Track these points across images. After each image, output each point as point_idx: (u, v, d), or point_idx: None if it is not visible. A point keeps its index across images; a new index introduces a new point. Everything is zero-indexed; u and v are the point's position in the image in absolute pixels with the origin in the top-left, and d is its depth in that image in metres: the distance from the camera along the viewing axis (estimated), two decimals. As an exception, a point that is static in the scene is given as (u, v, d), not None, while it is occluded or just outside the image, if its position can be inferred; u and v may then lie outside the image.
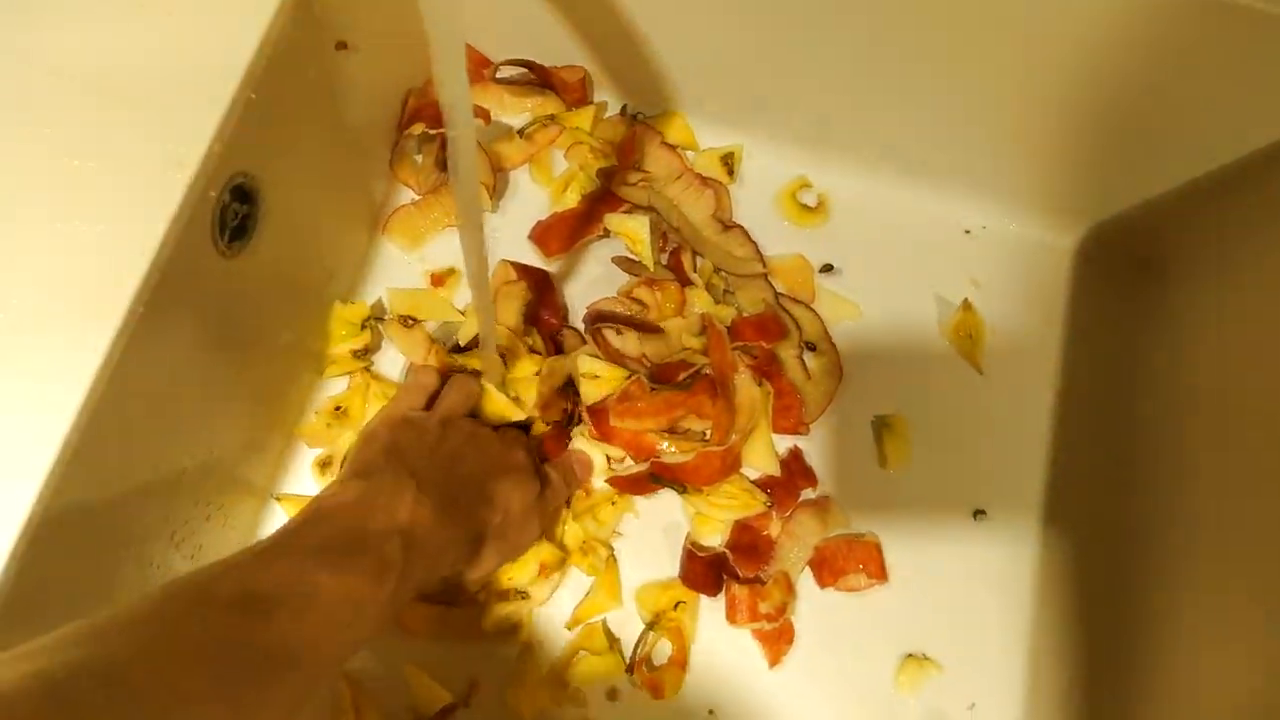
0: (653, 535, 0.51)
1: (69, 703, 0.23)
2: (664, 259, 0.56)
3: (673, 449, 0.50)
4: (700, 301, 0.54)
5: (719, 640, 0.50)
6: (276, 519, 0.51)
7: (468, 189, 0.34)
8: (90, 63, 0.36)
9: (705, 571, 0.50)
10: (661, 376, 0.51)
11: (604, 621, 0.50)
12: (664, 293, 0.54)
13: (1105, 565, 0.51)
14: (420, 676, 0.47)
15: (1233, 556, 0.43)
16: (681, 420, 0.50)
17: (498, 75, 0.59)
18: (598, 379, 0.50)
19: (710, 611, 0.50)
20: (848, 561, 0.51)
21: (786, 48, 0.52)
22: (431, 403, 0.47)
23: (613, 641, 0.49)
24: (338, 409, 0.51)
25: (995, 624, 0.51)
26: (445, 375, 0.49)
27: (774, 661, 0.49)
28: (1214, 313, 0.50)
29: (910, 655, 0.50)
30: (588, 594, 0.50)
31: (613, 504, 0.51)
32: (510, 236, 0.56)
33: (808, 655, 0.50)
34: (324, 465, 0.51)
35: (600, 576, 0.50)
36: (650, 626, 0.49)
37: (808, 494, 0.52)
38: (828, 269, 0.57)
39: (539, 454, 0.49)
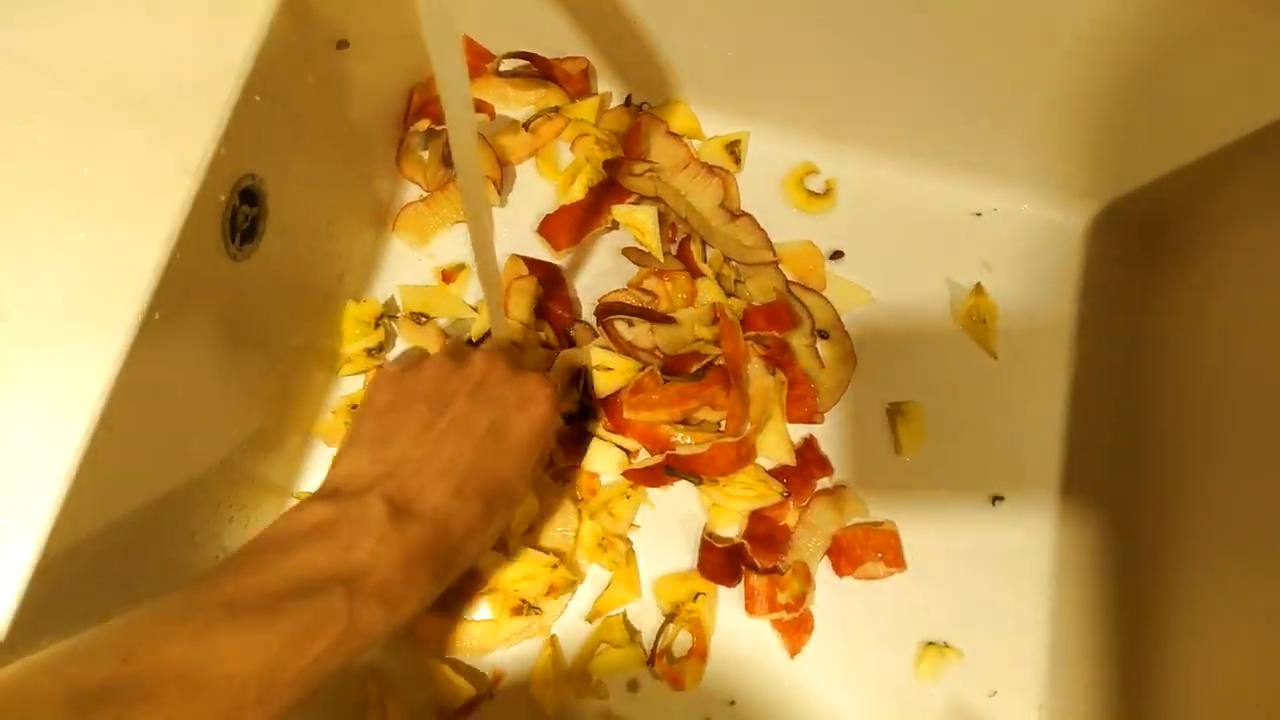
0: (669, 527, 0.51)
1: None
2: (673, 249, 0.56)
3: (687, 440, 0.50)
4: (711, 292, 0.53)
5: (738, 631, 0.50)
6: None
7: (473, 186, 0.34)
8: (94, 68, 0.36)
9: (723, 562, 0.49)
10: (674, 368, 0.51)
11: (624, 614, 0.50)
12: (674, 283, 0.54)
13: (1125, 548, 0.51)
14: (444, 670, 0.47)
15: (1255, 538, 0.42)
16: (695, 412, 0.50)
17: (500, 69, 0.59)
18: (610, 371, 0.50)
19: (729, 602, 0.50)
20: (865, 550, 0.50)
21: (789, 30, 0.51)
22: None
23: (633, 634, 0.49)
24: (353, 408, 0.51)
25: (1015, 610, 0.51)
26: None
27: (794, 651, 0.49)
28: (1230, 290, 0.50)
29: (930, 643, 0.50)
30: (607, 587, 0.50)
31: (627, 497, 0.51)
32: (517, 231, 0.56)
33: (827, 645, 0.50)
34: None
35: (619, 570, 0.50)
36: (670, 618, 0.49)
37: (823, 483, 0.52)
38: (837, 255, 0.57)
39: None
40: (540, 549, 0.49)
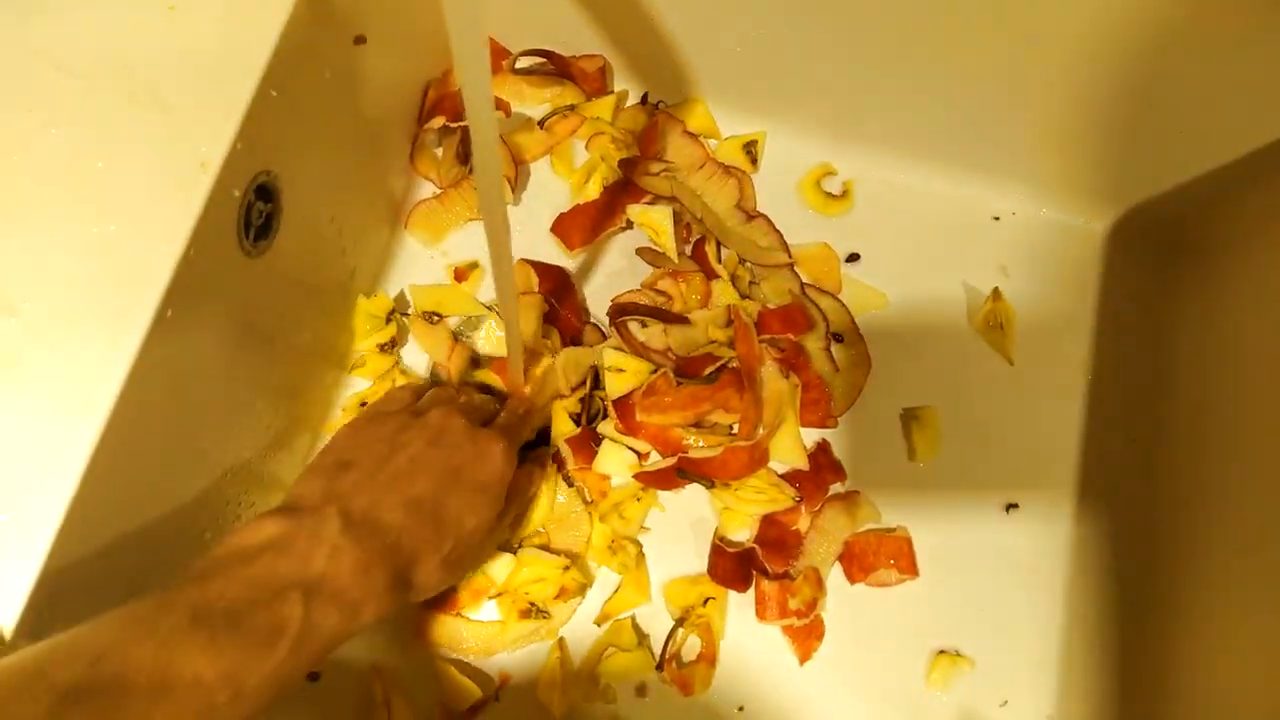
0: (680, 530, 0.51)
1: None
2: (687, 250, 0.55)
3: (699, 443, 0.49)
4: (725, 293, 0.53)
5: (748, 636, 0.49)
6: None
7: (491, 186, 0.34)
8: (110, 62, 0.36)
9: (734, 567, 0.49)
10: (687, 370, 0.50)
11: (633, 617, 0.49)
12: (689, 284, 0.54)
13: (1140, 557, 0.50)
14: (451, 672, 0.47)
15: (1272, 546, 0.42)
16: (708, 414, 0.50)
17: (516, 66, 0.58)
18: (623, 373, 0.50)
19: (739, 607, 0.50)
20: (878, 557, 0.50)
21: (808, 31, 0.51)
22: None
23: (641, 638, 0.49)
24: (363, 405, 0.51)
25: (1028, 619, 0.50)
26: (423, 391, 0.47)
27: (804, 658, 0.49)
28: (1249, 296, 0.49)
29: (942, 651, 0.49)
30: (616, 590, 0.49)
31: (638, 499, 0.50)
32: (531, 229, 0.56)
33: (838, 652, 0.49)
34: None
35: (629, 573, 0.49)
36: (679, 623, 0.49)
37: (836, 488, 0.52)
38: (853, 258, 0.56)
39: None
40: (551, 551, 0.49)
